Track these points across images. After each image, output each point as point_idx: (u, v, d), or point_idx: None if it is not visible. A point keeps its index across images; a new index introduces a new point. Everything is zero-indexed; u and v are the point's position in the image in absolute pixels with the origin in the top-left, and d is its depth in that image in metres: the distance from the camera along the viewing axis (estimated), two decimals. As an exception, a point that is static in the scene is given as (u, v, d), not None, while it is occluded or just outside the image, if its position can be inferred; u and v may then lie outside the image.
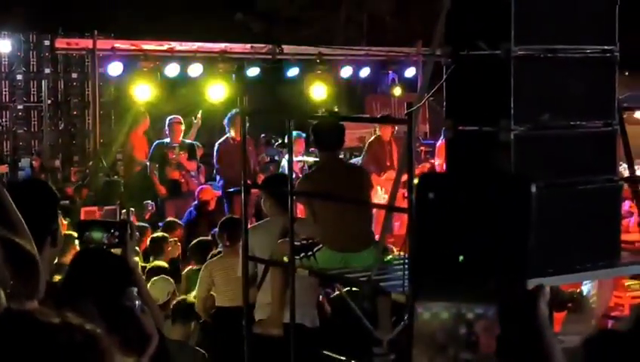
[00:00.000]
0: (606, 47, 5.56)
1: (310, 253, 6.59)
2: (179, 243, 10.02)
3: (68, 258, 5.87)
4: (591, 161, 5.55)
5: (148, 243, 9.63)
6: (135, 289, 3.04)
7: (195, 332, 7.49)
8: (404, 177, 6.11)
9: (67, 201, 12.62)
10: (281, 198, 6.86)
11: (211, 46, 15.27)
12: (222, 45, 15.25)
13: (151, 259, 9.12)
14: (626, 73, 12.74)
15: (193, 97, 15.43)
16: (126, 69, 14.46)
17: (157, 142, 13.25)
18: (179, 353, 6.70)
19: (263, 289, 6.90)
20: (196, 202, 12.24)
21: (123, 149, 15.73)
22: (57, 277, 4.18)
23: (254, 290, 6.95)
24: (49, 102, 17.04)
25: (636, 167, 6.79)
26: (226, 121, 12.84)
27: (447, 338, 1.62)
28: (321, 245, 6.61)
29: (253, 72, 15.45)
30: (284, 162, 12.38)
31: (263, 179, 9.39)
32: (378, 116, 15.48)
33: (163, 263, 8.72)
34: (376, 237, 6.69)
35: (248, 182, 8.09)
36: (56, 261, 4.09)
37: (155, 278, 8.02)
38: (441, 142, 11.68)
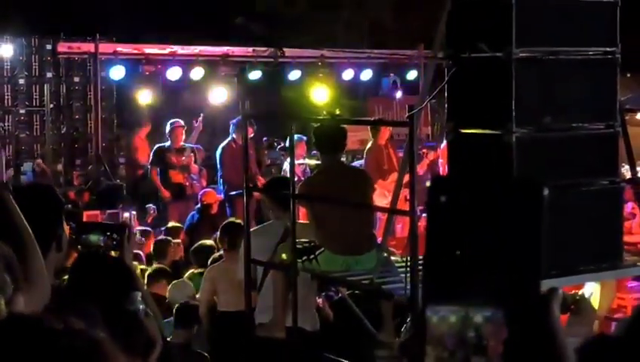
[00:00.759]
0: (607, 49, 5.56)
1: (312, 256, 6.59)
2: (181, 246, 10.03)
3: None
4: (593, 163, 5.54)
5: (152, 246, 9.64)
6: (139, 294, 3.04)
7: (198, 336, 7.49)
8: (406, 179, 6.11)
9: (69, 205, 12.62)
10: (282, 201, 6.87)
11: (213, 50, 15.27)
12: (223, 49, 15.26)
13: (154, 262, 9.13)
14: (628, 75, 12.75)
15: (195, 101, 15.45)
16: (128, 73, 14.47)
17: (158, 145, 13.26)
18: (182, 356, 6.71)
19: (263, 292, 6.89)
20: (199, 205, 12.25)
21: (125, 153, 15.75)
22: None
23: (254, 294, 6.95)
24: (51, 106, 17.02)
25: (638, 169, 6.79)
26: (232, 127, 12.85)
27: (455, 342, 1.62)
28: (322, 248, 6.60)
29: (255, 75, 15.46)
30: (286, 165, 12.38)
31: (264, 182, 9.40)
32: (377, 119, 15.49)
33: (164, 266, 8.73)
34: (379, 239, 6.69)
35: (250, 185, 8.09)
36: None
37: (175, 281, 8.07)
38: (444, 145, 11.68)
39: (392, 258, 6.74)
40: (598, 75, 5.56)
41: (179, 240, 10.20)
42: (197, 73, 14.90)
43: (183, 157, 12.95)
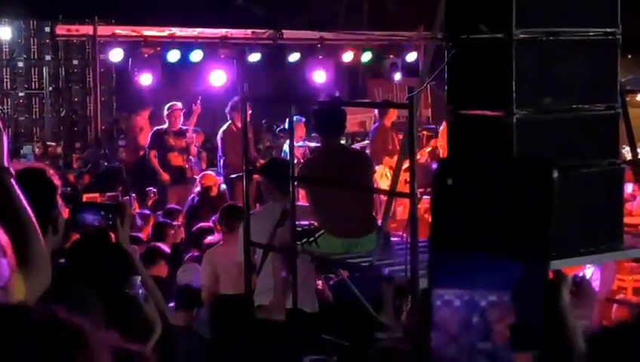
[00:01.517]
0: (608, 30, 5.54)
1: (312, 238, 6.58)
2: (182, 228, 10.01)
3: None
4: (593, 144, 5.53)
5: (150, 229, 9.63)
6: (138, 278, 3.03)
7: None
8: (406, 162, 6.09)
9: (69, 188, 12.61)
10: (280, 183, 6.85)
11: (212, 32, 15.23)
12: (222, 31, 15.22)
13: (153, 245, 9.12)
14: (629, 56, 12.71)
15: (194, 83, 15.42)
16: (127, 56, 14.44)
17: (155, 128, 13.22)
18: (182, 339, 6.71)
19: (262, 274, 6.89)
20: (198, 188, 12.24)
21: (125, 135, 15.72)
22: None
23: (254, 276, 6.94)
24: (50, 89, 17.01)
25: (639, 150, 6.77)
26: (228, 109, 12.80)
27: (460, 326, 1.60)
28: (322, 230, 6.59)
29: (254, 57, 15.42)
30: (286, 147, 12.35)
31: (261, 165, 9.38)
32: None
33: (158, 246, 8.65)
34: (379, 222, 6.68)
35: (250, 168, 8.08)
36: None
37: (184, 265, 8.06)
38: (443, 127, 11.66)
39: (392, 240, 6.72)
40: (599, 56, 5.54)
41: (179, 223, 10.19)
42: (196, 55, 14.86)
43: (184, 140, 12.92)
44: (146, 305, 3.05)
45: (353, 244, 6.59)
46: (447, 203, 1.69)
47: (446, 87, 5.70)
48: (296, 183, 6.63)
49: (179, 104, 13.10)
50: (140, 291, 3.02)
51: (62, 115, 17.25)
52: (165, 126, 12.95)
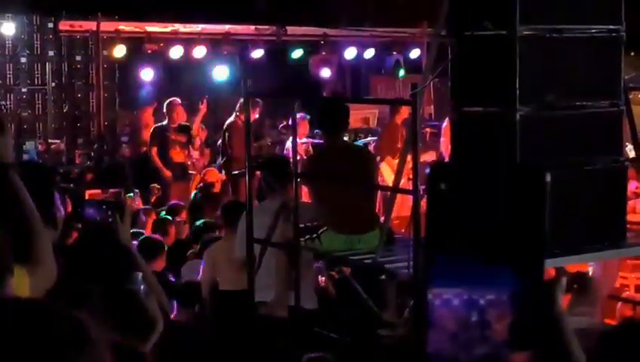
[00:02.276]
0: (612, 27, 5.52)
1: (315, 235, 6.58)
2: (187, 224, 10.01)
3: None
4: (596, 142, 5.51)
5: (151, 225, 9.63)
6: (140, 274, 3.02)
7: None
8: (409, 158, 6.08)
9: (71, 184, 12.62)
10: (279, 179, 6.86)
11: (215, 28, 15.23)
12: (225, 27, 15.21)
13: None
14: (632, 53, 12.70)
15: (197, 79, 15.41)
16: (130, 52, 14.44)
17: (155, 125, 13.21)
18: (183, 336, 6.71)
19: (261, 271, 6.88)
20: (201, 184, 12.23)
21: (129, 131, 15.72)
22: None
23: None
24: (53, 84, 17.02)
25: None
26: (238, 105, 12.75)
27: (458, 325, 1.60)
28: (325, 227, 6.59)
29: (257, 53, 15.41)
30: (289, 144, 12.35)
31: (261, 161, 9.37)
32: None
33: (156, 239, 8.64)
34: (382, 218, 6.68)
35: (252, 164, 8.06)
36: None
37: (189, 262, 8.06)
38: (446, 123, 11.65)
39: (395, 237, 6.72)
40: (603, 53, 5.53)
41: (184, 219, 10.18)
42: (199, 52, 14.86)
43: (185, 135, 12.89)
44: (148, 301, 3.05)
45: (356, 241, 6.58)
46: (442, 205, 1.69)
47: (449, 84, 5.69)
48: (298, 180, 6.63)
49: (178, 99, 13.07)
50: (142, 287, 3.02)
51: (65, 110, 17.26)
52: (165, 122, 12.93)
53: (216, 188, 12.25)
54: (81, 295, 2.62)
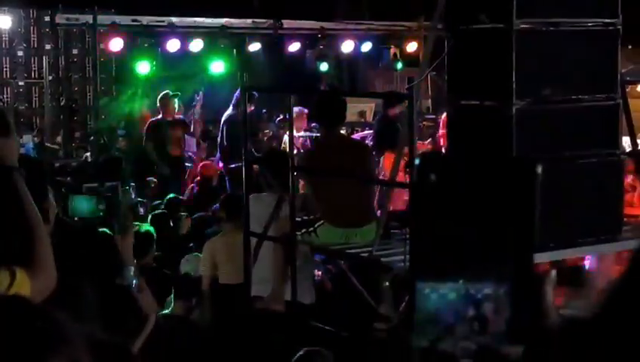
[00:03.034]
0: (608, 21, 5.52)
1: (311, 228, 6.57)
2: (189, 218, 9.99)
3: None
4: (593, 135, 5.52)
5: (149, 219, 9.61)
6: (132, 269, 3.01)
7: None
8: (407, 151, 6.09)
9: (68, 178, 12.59)
10: (277, 173, 6.85)
11: (211, 21, 15.19)
12: (222, 20, 15.18)
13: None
14: (629, 47, 12.67)
15: (194, 73, 15.38)
16: (126, 45, 14.40)
17: (150, 120, 13.18)
18: (181, 329, 6.71)
19: (257, 264, 6.87)
20: (198, 178, 12.22)
21: (126, 125, 15.69)
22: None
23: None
24: (50, 78, 16.98)
25: (639, 141, 6.76)
26: (234, 100, 12.72)
27: (454, 319, 1.60)
28: (322, 221, 6.59)
29: (254, 47, 15.38)
30: (286, 137, 12.33)
31: (260, 155, 9.38)
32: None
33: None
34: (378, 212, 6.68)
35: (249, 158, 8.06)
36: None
37: (188, 255, 8.04)
38: (444, 117, 11.64)
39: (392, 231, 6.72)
40: (599, 46, 5.53)
41: (183, 213, 10.16)
42: (196, 45, 14.83)
43: (180, 129, 12.86)
44: (140, 296, 3.04)
45: (352, 234, 6.58)
46: (430, 197, 1.68)
47: (446, 78, 5.68)
48: (295, 173, 6.63)
49: (169, 92, 13.04)
50: (134, 282, 3.01)
51: (62, 104, 17.23)
52: (160, 116, 12.89)
53: (214, 182, 12.23)
54: (70, 291, 2.61)
